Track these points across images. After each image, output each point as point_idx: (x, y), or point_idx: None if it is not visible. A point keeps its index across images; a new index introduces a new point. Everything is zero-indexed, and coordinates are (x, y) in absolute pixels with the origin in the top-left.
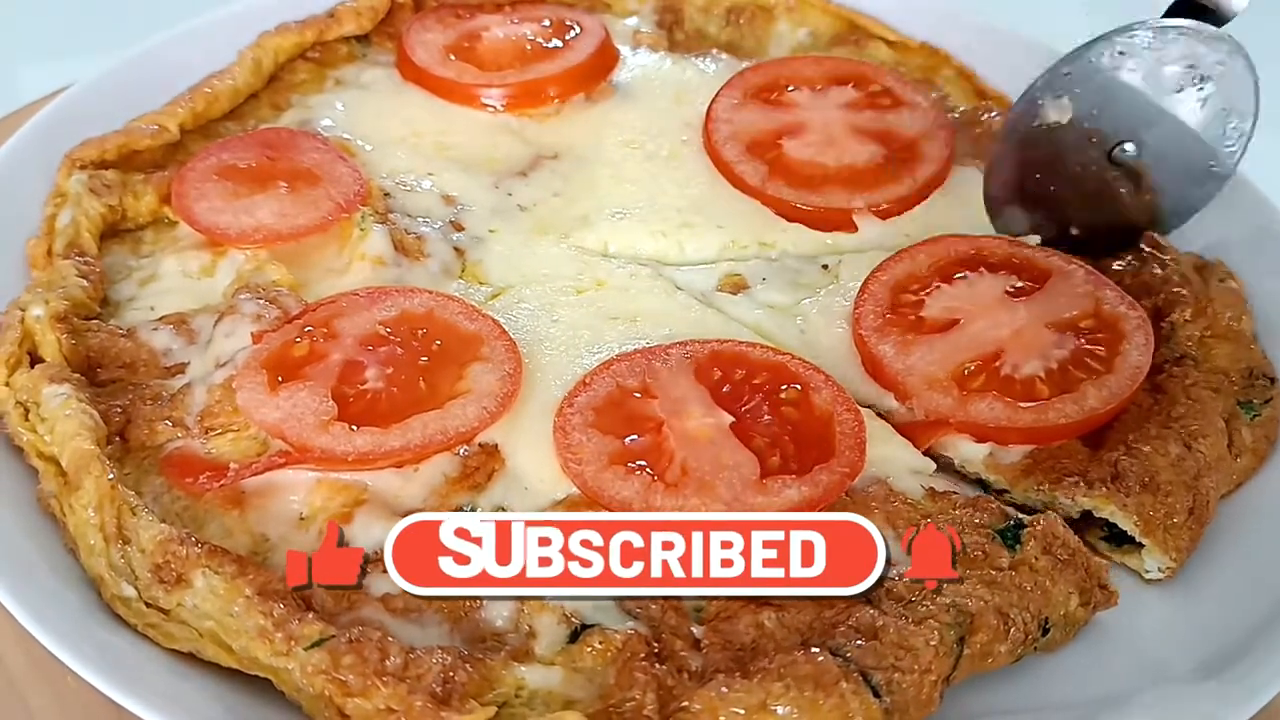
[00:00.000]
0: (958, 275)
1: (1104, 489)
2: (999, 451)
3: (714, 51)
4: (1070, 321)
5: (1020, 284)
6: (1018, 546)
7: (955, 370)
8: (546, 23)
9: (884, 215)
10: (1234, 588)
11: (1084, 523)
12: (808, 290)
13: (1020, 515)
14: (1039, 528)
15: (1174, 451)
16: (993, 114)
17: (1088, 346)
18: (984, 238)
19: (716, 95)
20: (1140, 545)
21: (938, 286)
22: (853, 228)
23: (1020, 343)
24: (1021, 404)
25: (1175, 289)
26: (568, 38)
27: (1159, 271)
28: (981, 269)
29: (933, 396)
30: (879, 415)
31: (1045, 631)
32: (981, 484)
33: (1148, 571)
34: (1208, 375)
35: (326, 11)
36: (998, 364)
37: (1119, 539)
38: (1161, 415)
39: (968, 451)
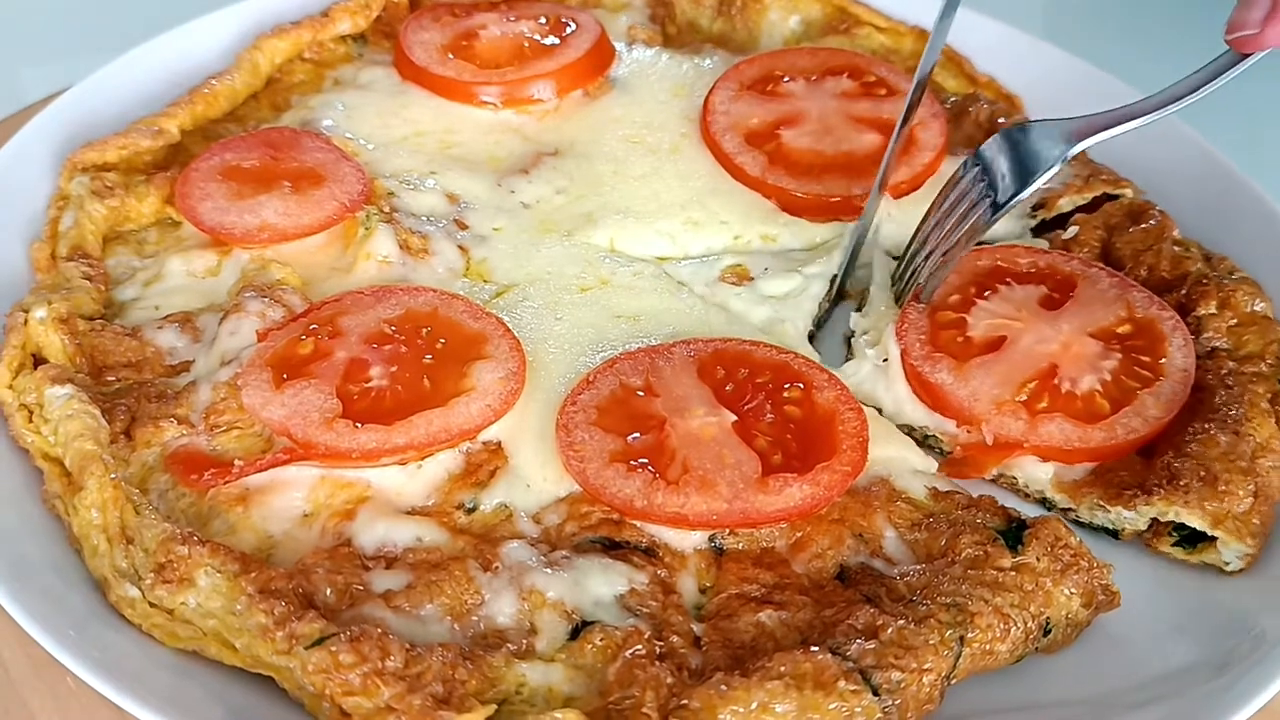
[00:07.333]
0: (987, 290)
1: (1163, 493)
2: (1062, 470)
3: (708, 46)
4: (1109, 329)
5: (1049, 292)
6: (1020, 547)
7: (1017, 391)
8: (543, 19)
9: None
10: (1237, 582)
11: (1154, 533)
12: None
13: (1023, 516)
14: (1041, 529)
15: (1223, 440)
16: (982, 102)
17: (1132, 353)
18: (1000, 247)
19: (713, 87)
20: (1214, 539)
21: (974, 303)
22: (853, 214)
23: (1070, 356)
24: (1090, 423)
25: (1196, 284)
26: (564, 34)
27: (1169, 271)
28: (1009, 280)
29: (1003, 420)
30: (929, 440)
31: (1046, 633)
32: (1044, 503)
33: (1228, 563)
34: (1242, 363)
35: (321, 11)
36: (1056, 380)
37: (1193, 539)
38: (1204, 409)
39: (1033, 471)
